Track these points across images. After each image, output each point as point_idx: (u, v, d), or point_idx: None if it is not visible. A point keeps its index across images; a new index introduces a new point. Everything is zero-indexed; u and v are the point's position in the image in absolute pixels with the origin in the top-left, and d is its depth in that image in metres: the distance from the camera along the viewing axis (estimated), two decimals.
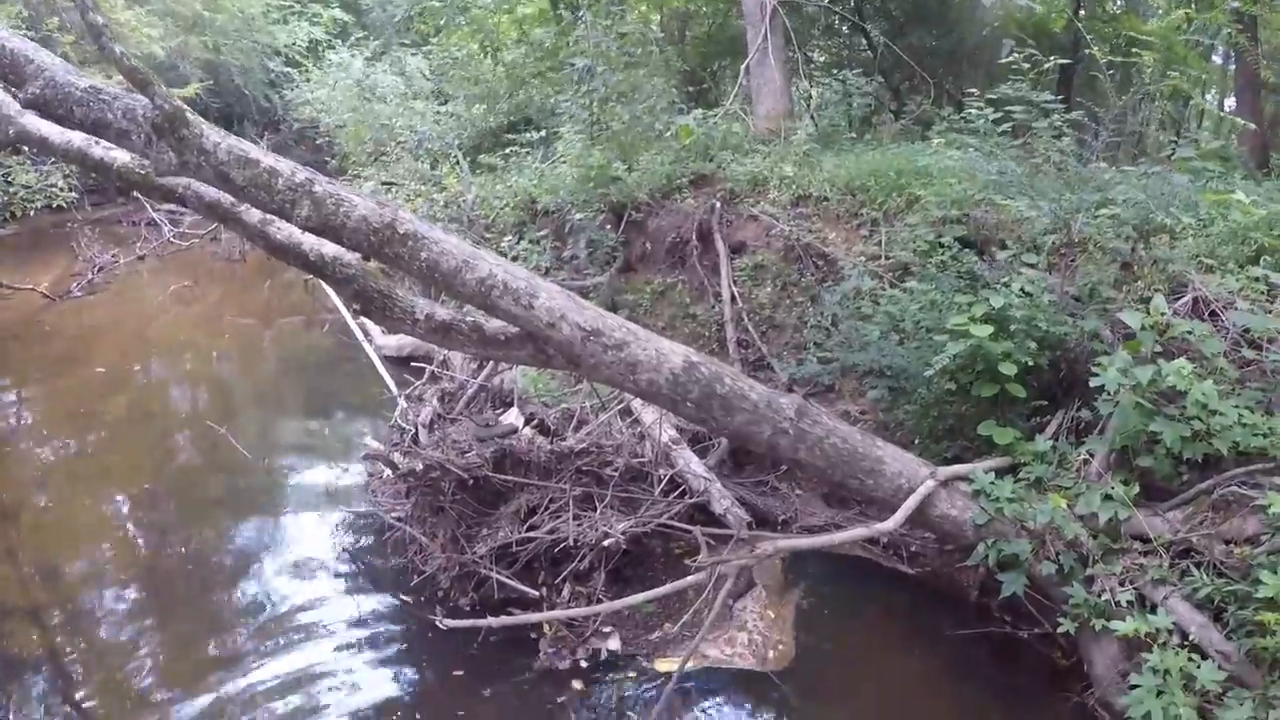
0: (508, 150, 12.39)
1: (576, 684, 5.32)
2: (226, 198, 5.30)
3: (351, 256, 5.33)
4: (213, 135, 4.74)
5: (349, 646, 5.70)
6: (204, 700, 5.17)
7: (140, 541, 6.99)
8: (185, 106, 4.72)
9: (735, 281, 8.68)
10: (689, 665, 5.17)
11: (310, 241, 5.29)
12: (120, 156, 5.52)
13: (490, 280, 4.92)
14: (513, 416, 6.68)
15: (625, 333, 5.15)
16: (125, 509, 7.39)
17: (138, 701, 5.18)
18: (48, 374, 10.20)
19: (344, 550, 6.76)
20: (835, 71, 13.28)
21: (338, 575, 6.47)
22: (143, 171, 5.39)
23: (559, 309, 5.01)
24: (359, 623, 5.95)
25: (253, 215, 5.38)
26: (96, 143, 5.56)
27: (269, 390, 10.47)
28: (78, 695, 5.24)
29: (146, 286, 13.60)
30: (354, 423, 9.21)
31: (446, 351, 8.44)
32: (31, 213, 16.38)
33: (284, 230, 5.35)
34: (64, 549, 6.73)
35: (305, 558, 6.65)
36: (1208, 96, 17.21)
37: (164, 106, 4.57)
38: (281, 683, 5.34)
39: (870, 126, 12.38)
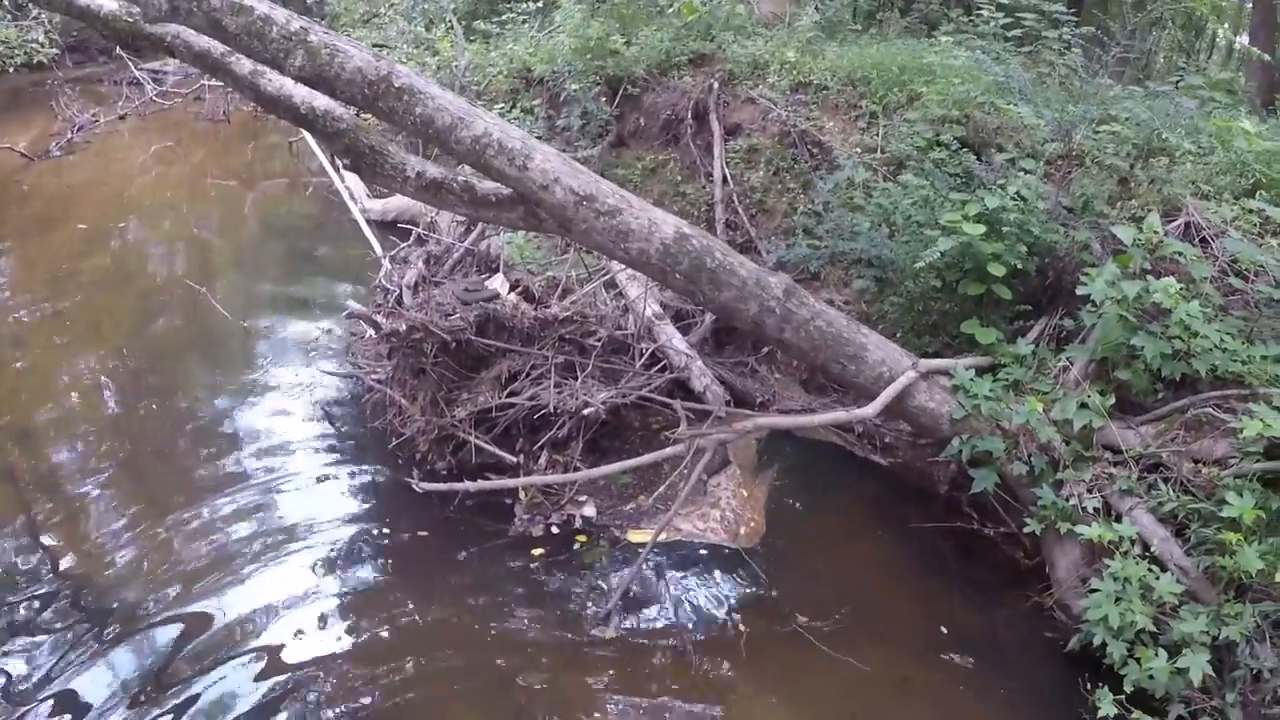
0: (504, 18, 12.06)
1: (548, 551, 5.39)
2: (217, 47, 5.15)
3: (343, 110, 5.25)
4: None
5: (322, 505, 5.75)
6: (174, 555, 5.21)
7: (116, 401, 6.93)
8: None
9: (728, 163, 8.57)
10: (661, 537, 5.26)
11: (302, 94, 5.18)
12: (107, 3, 5.28)
13: (485, 139, 4.85)
14: (498, 282, 6.63)
15: (618, 200, 5.10)
16: (103, 368, 7.30)
17: (109, 558, 5.21)
18: (26, 233, 10.00)
19: (321, 411, 6.76)
20: None
21: (314, 435, 6.49)
22: (130, 19, 5.19)
23: (554, 172, 4.94)
24: (333, 482, 5.99)
25: (243, 65, 5.24)
26: None
27: (250, 251, 10.31)
28: (51, 554, 5.25)
29: (127, 147, 13.23)
30: (335, 284, 9.12)
31: (433, 215, 8.34)
32: (11, 70, 15.79)
33: (275, 81, 5.22)
34: (40, 409, 6.69)
35: (281, 417, 6.65)
36: (1221, 30, 16.94)
37: None
38: (250, 538, 5.39)
39: (875, 21, 12.07)
